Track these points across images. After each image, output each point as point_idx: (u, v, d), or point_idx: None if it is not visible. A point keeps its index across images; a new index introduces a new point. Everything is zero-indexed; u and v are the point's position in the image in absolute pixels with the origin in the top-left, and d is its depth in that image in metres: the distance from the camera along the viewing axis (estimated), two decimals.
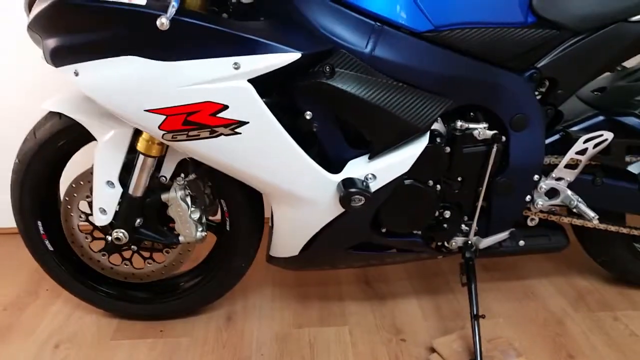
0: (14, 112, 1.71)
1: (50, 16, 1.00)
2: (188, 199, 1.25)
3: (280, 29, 1.01)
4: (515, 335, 1.39)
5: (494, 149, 1.20)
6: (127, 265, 1.37)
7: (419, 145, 1.11)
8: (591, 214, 1.25)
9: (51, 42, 1.02)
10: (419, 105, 1.07)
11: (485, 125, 1.17)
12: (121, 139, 1.18)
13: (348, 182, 1.09)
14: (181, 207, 1.25)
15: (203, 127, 1.02)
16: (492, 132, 1.18)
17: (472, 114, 1.20)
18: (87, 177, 1.28)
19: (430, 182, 1.19)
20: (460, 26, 1.08)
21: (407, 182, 1.16)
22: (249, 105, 1.00)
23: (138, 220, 1.26)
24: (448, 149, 1.15)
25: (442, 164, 1.17)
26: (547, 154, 1.27)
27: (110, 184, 1.22)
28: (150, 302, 1.43)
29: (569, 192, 1.27)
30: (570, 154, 1.24)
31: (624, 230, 1.39)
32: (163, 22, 0.88)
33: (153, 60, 0.97)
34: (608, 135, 1.23)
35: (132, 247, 1.34)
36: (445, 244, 1.32)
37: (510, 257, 1.68)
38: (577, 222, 1.37)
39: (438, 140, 1.14)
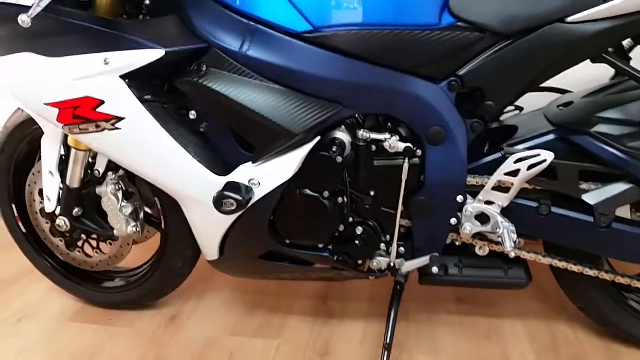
0: None
1: None
2: (119, 194, 1.31)
3: (154, 26, 1.03)
4: None
5: (405, 164, 1.09)
6: (79, 252, 1.47)
7: (300, 152, 1.05)
8: (508, 243, 1.07)
9: None
10: (295, 109, 1.02)
11: (389, 136, 1.08)
12: (56, 131, 1.28)
13: (229, 186, 1.06)
14: (111, 202, 1.31)
15: (89, 122, 1.07)
16: (404, 145, 1.08)
17: (389, 124, 1.11)
18: None
19: (326, 193, 1.11)
20: (346, 28, 1.01)
21: (298, 191, 1.11)
22: (123, 101, 1.03)
23: (76, 210, 1.35)
24: (340, 159, 1.07)
25: (335, 174, 1.10)
26: (485, 174, 1.13)
27: (51, 173, 1.32)
28: (105, 291, 1.51)
29: (499, 219, 1.11)
30: (498, 175, 1.09)
31: (590, 273, 1.18)
32: (24, 19, 0.95)
33: (43, 57, 1.04)
34: (546, 156, 1.06)
35: (82, 235, 1.43)
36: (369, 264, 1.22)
37: (491, 291, 1.52)
38: (544, 260, 1.19)
39: (334, 149, 1.07)
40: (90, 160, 1.32)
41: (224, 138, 1.09)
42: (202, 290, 1.60)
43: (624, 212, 1.18)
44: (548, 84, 1.30)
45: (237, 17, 1.01)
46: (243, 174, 1.08)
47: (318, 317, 1.47)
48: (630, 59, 1.26)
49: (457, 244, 1.21)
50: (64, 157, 1.33)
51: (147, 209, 1.39)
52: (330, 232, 1.14)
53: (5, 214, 1.50)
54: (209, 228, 1.17)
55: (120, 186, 1.31)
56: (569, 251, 1.17)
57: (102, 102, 1.04)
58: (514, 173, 1.07)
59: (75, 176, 1.31)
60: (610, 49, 1.03)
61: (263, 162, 1.07)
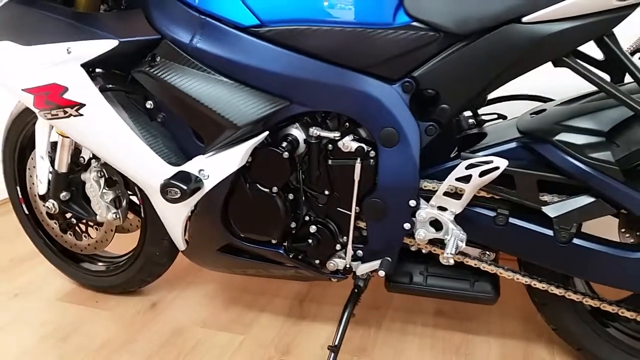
0: None
1: None
2: (101, 181, 1.37)
3: (116, 18, 1.08)
4: None
5: (357, 164, 1.07)
6: (71, 235, 1.54)
7: (246, 145, 1.06)
8: (449, 249, 1.03)
9: None
10: (239, 101, 1.03)
11: (339, 134, 1.07)
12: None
13: (177, 175, 1.09)
14: (93, 188, 1.37)
15: (58, 107, 1.13)
16: (356, 145, 1.07)
17: (347, 124, 1.10)
18: None
19: (275, 189, 1.11)
20: (294, 24, 1.01)
21: (249, 184, 1.11)
22: (83, 88, 1.08)
23: (64, 194, 1.42)
24: (287, 155, 1.07)
25: (283, 170, 1.09)
26: (443, 180, 1.09)
27: (42, 158, 1.40)
28: (92, 274, 1.58)
29: (451, 225, 1.06)
30: (450, 181, 1.04)
31: (556, 292, 1.11)
32: None
33: (19, 45, 1.12)
34: (499, 163, 1.00)
35: (72, 219, 1.51)
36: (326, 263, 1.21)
37: (475, 307, 1.46)
38: (505, 274, 1.13)
39: (283, 144, 1.07)
40: (77, 147, 1.39)
41: (180, 128, 1.12)
42: (188, 281, 1.64)
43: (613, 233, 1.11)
44: (537, 91, 1.28)
45: (190, 10, 1.04)
46: (194, 164, 1.10)
47: (290, 317, 1.47)
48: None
49: (424, 251, 1.17)
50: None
51: (134, 198, 1.44)
52: (279, 228, 1.14)
53: (11, 195, 1.61)
54: (170, 216, 1.21)
55: (102, 174, 1.37)
56: (538, 266, 1.11)
57: (66, 89, 1.09)
58: (466, 179, 1.03)
59: (62, 161, 1.38)
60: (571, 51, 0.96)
61: (213, 154, 1.08)
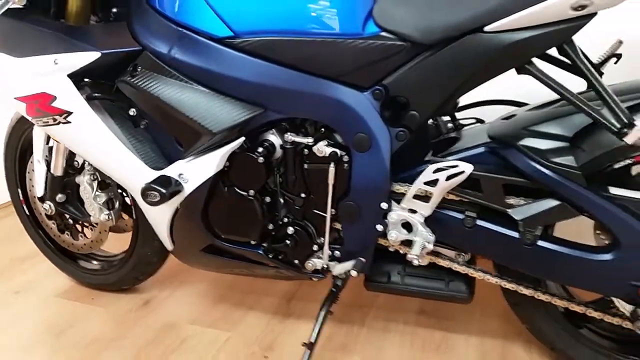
0: None
1: None
2: (95, 184, 1.43)
3: (102, 31, 1.13)
4: None
5: (331, 168, 1.12)
6: (68, 235, 1.61)
7: (222, 151, 1.11)
8: (415, 250, 1.06)
9: None
10: (215, 109, 1.07)
11: (312, 140, 1.11)
12: None
13: (158, 179, 1.14)
14: (87, 190, 1.43)
15: (48, 115, 1.19)
16: (330, 150, 1.11)
17: (322, 129, 1.14)
18: None
19: (252, 192, 1.16)
20: (266, 35, 1.05)
21: (227, 188, 1.16)
22: (70, 97, 1.14)
23: (60, 196, 1.48)
24: (262, 160, 1.11)
25: (258, 175, 1.13)
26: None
27: (39, 162, 1.47)
28: (88, 272, 1.64)
29: (420, 227, 1.10)
30: (418, 184, 1.08)
31: (525, 292, 1.14)
32: None
33: (12, 57, 1.18)
34: (465, 168, 1.04)
35: (69, 220, 1.57)
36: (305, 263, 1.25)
37: (456, 306, 1.49)
38: (476, 274, 1.17)
39: (259, 150, 1.12)
40: (72, 151, 1.45)
41: (162, 134, 1.17)
42: (180, 280, 1.69)
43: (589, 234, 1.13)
44: (511, 96, 1.31)
45: (168, 22, 1.09)
46: (174, 168, 1.15)
47: (277, 315, 1.52)
48: (602, 73, 1.21)
49: (402, 252, 1.21)
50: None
51: (128, 199, 1.49)
52: (257, 230, 1.18)
53: (13, 197, 1.67)
54: (154, 218, 1.26)
55: (95, 176, 1.43)
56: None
57: (55, 98, 1.15)
58: (433, 183, 1.06)
59: (57, 165, 1.44)
60: (533, 59, 0.99)
61: (192, 159, 1.13)
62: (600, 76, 1.19)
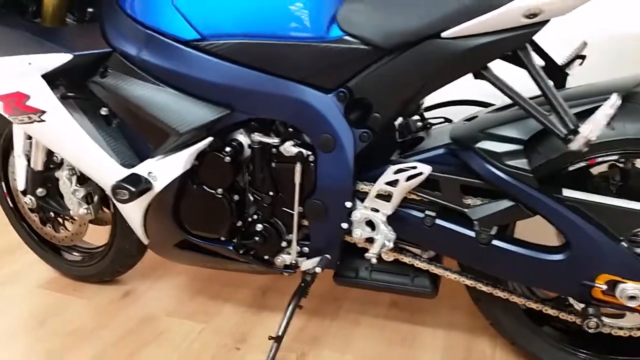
0: None
1: None
2: (73, 178, 1.46)
3: (75, 32, 1.16)
4: None
5: (297, 167, 1.15)
6: (50, 227, 1.65)
7: (190, 150, 1.14)
8: (375, 248, 1.11)
9: None
10: (182, 110, 1.10)
11: (278, 140, 1.14)
12: None
13: (129, 177, 1.17)
14: (65, 185, 1.47)
15: (23, 113, 1.22)
16: (296, 150, 1.14)
17: (290, 130, 1.17)
18: None
19: (220, 190, 1.19)
20: (233, 38, 1.08)
21: (196, 186, 1.20)
22: (43, 97, 1.17)
23: (40, 190, 1.52)
24: (228, 159, 1.15)
25: (226, 173, 1.17)
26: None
27: (19, 156, 1.50)
28: (70, 264, 1.68)
29: (382, 226, 1.14)
30: (379, 184, 1.12)
31: (484, 288, 1.18)
32: None
33: None
34: (423, 169, 1.07)
35: (51, 213, 1.61)
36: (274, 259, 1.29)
37: (431, 300, 1.53)
38: (436, 270, 1.21)
39: (227, 149, 1.15)
40: None
41: (134, 132, 1.20)
42: (161, 273, 1.73)
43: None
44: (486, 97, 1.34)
45: (137, 25, 1.12)
46: (144, 167, 1.18)
47: (252, 307, 1.56)
48: (567, 74, 1.24)
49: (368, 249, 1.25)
50: None
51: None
52: (226, 227, 1.22)
53: None
54: (128, 214, 1.29)
55: (74, 171, 1.47)
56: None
57: (29, 97, 1.18)
58: (394, 183, 1.10)
59: (37, 160, 1.48)
60: (488, 65, 1.02)
61: (161, 158, 1.17)
62: (565, 77, 1.23)
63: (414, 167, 1.08)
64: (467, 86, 1.37)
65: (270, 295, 1.62)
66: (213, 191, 1.19)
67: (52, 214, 1.61)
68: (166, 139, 1.13)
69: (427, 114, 1.36)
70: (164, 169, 1.16)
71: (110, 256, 1.58)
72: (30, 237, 1.71)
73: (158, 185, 1.18)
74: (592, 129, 0.89)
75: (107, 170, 1.20)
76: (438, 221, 1.13)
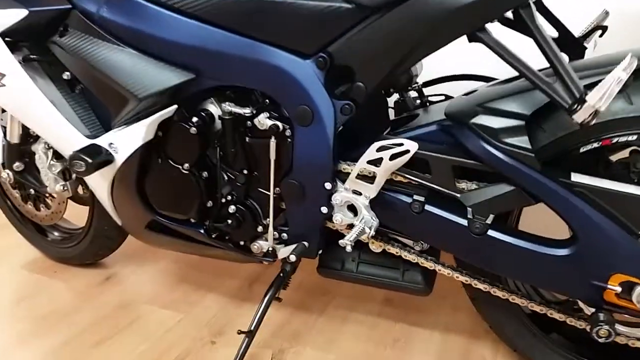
0: None
1: None
2: (49, 153, 1.38)
3: None
4: None
5: (272, 142, 1.03)
6: (30, 205, 1.57)
7: (152, 119, 1.03)
8: (352, 235, 0.97)
9: None
10: (142, 72, 1.00)
11: (250, 110, 1.02)
12: None
13: (87, 148, 1.07)
14: (41, 159, 1.38)
15: None
16: (271, 123, 1.02)
17: (267, 101, 1.05)
18: None
19: (187, 166, 1.08)
20: None
21: (161, 160, 1.09)
22: (1, 58, 1.08)
23: (17, 164, 1.44)
24: (194, 131, 1.03)
25: (192, 146, 1.06)
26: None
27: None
28: (50, 244, 1.61)
29: (364, 211, 1.01)
30: (362, 163, 0.98)
31: (480, 287, 1.04)
32: None
33: None
34: (409, 146, 0.94)
35: (30, 190, 1.53)
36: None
37: (430, 299, 1.39)
38: (427, 263, 1.07)
39: (194, 120, 1.04)
40: None
41: (98, 100, 1.10)
42: (146, 258, 1.64)
43: None
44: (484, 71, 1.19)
45: None
46: (106, 138, 1.08)
47: (235, 299, 1.45)
48: (585, 47, 1.09)
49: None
50: None
51: None
52: (194, 206, 1.11)
53: None
54: (96, 190, 1.20)
55: (50, 145, 1.38)
56: None
57: None
58: (377, 162, 0.97)
59: (13, 132, 1.40)
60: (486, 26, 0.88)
61: (122, 128, 1.06)
62: (583, 51, 1.08)
63: (400, 144, 0.94)
64: (472, 62, 1.23)
65: (257, 286, 1.50)
66: (179, 166, 1.08)
67: (32, 191, 1.53)
68: (125, 106, 1.03)
69: (426, 91, 1.22)
70: (125, 140, 1.06)
71: (89, 237, 1.49)
72: (13, 215, 1.64)
73: (119, 158, 1.08)
74: (600, 96, 0.73)
75: (68, 139, 1.11)
76: (427, 207, 0.99)
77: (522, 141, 0.88)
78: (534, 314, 1.08)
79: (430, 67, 1.24)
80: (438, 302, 1.41)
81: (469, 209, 0.94)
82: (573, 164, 0.92)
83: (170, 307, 1.41)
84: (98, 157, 1.05)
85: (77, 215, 1.56)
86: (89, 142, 1.09)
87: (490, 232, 0.94)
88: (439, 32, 0.89)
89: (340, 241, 0.98)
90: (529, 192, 0.90)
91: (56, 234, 1.61)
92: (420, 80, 1.20)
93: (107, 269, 1.59)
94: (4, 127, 1.41)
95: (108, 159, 1.07)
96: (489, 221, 0.94)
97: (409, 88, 1.19)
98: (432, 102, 1.21)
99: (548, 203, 0.89)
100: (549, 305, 1.01)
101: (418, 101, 1.22)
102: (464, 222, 0.96)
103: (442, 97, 1.22)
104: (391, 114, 1.22)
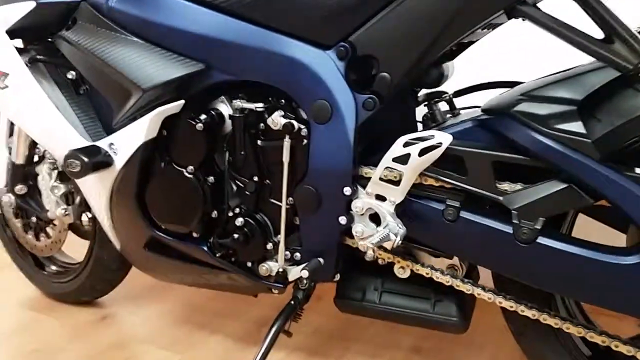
0: None
1: None
2: (54, 174, 1.30)
3: None
4: None
5: (286, 142, 0.92)
6: (30, 234, 1.47)
7: (154, 113, 0.94)
8: (374, 239, 0.83)
9: None
10: (148, 62, 0.92)
11: (262, 106, 0.93)
12: None
13: (87, 148, 0.98)
14: (44, 180, 1.30)
15: None
16: (285, 121, 0.92)
17: (283, 101, 0.96)
18: None
19: (191, 168, 0.97)
20: None
21: (163, 163, 0.99)
22: (6, 56, 1.03)
23: (19, 187, 1.35)
24: (201, 127, 0.94)
25: (197, 145, 0.95)
26: None
27: (5, 149, 1.36)
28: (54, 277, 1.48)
29: (389, 218, 0.87)
30: (386, 162, 0.86)
31: (528, 313, 0.87)
32: None
33: None
34: (441, 139, 0.82)
35: (32, 218, 1.44)
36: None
37: (461, 343, 1.22)
38: (463, 286, 0.91)
39: (202, 116, 0.94)
40: None
41: (102, 100, 1.02)
42: (149, 299, 1.49)
43: None
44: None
45: None
46: (107, 139, 0.99)
47: (240, 341, 1.29)
48: None
49: (381, 262, 0.98)
50: None
51: None
52: (196, 216, 0.99)
53: None
54: (93, 199, 1.09)
55: (55, 166, 1.30)
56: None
57: None
58: (404, 159, 0.84)
59: (19, 151, 1.33)
60: None
61: (123, 126, 0.97)
62: None
63: (430, 137, 0.82)
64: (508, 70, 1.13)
65: (266, 330, 1.33)
66: (182, 169, 0.97)
67: (33, 219, 1.44)
68: (128, 99, 0.94)
69: (458, 102, 1.11)
70: (125, 139, 0.96)
71: (88, 269, 1.37)
72: (12, 247, 1.53)
73: (119, 161, 0.98)
74: None
75: (68, 143, 1.02)
76: (462, 214, 0.85)
77: (577, 126, 0.75)
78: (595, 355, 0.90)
79: (461, 80, 1.14)
80: (475, 353, 1.22)
81: (514, 213, 0.80)
82: (634, 158, 0.78)
83: (167, 348, 1.26)
84: (95, 157, 0.95)
85: (77, 252, 1.45)
86: (87, 143, 1.00)
87: (540, 240, 0.79)
88: (472, 9, 0.80)
89: (361, 242, 0.84)
90: (587, 187, 0.76)
91: (54, 267, 1.49)
92: (451, 89, 1.10)
93: (104, 309, 1.46)
94: (10, 149, 1.35)
95: (106, 161, 0.97)
96: (538, 226, 0.79)
97: (437, 100, 1.08)
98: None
99: (611, 200, 0.75)
100: (613, 337, 0.83)
101: (449, 115, 1.10)
102: (509, 228, 0.81)
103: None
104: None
